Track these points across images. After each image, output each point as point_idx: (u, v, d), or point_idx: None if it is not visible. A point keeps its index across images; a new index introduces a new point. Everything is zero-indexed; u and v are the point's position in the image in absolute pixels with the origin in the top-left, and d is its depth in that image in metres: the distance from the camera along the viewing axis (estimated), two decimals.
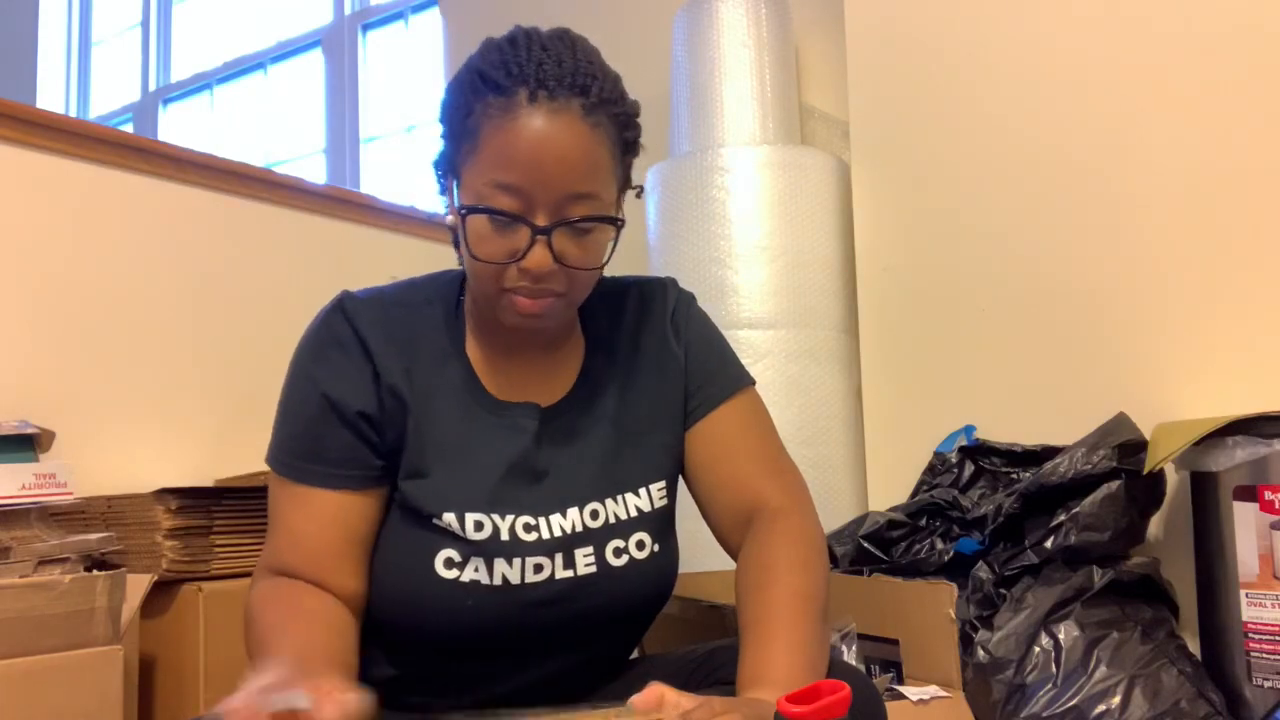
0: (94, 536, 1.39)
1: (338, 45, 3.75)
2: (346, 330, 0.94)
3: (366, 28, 3.71)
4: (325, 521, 0.92)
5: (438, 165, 0.97)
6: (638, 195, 0.98)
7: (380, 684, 0.97)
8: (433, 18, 3.38)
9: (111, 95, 4.51)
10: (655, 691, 0.74)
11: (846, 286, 2.08)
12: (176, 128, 4.28)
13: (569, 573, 0.93)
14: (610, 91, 0.89)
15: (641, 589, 0.98)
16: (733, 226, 2.00)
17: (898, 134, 2.04)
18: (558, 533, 0.93)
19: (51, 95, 4.53)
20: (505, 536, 0.92)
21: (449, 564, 0.91)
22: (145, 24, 4.43)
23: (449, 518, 0.91)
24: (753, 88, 2.15)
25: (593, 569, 0.94)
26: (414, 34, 3.58)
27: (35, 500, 1.37)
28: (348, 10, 3.75)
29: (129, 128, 4.29)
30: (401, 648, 0.96)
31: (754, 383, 1.06)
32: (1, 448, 1.40)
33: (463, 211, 0.87)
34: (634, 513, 0.97)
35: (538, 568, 0.92)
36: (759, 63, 2.16)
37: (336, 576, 0.91)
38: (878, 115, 2.07)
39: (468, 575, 0.91)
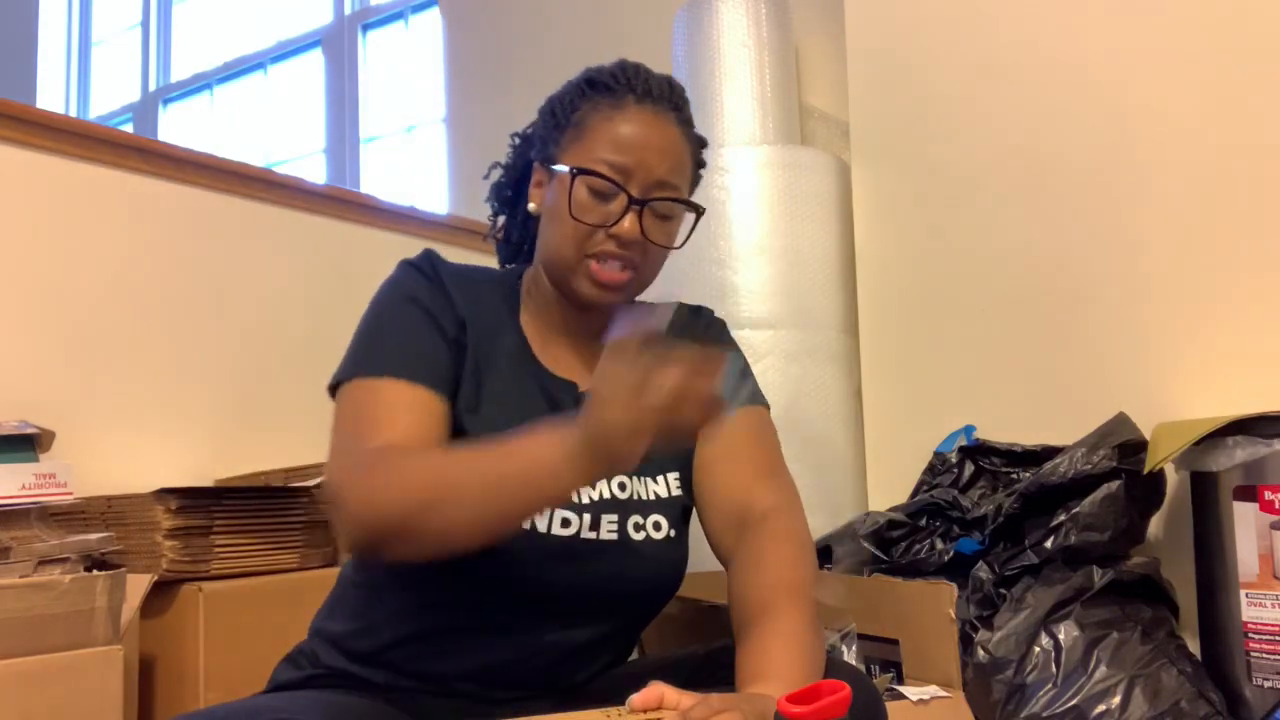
0: (94, 536, 1.39)
1: (338, 45, 3.75)
2: (434, 272, 1.02)
3: (366, 28, 3.71)
4: (433, 419, 0.93)
5: (503, 188, 1.13)
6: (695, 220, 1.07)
7: (387, 650, 0.97)
8: (433, 18, 3.39)
9: (111, 95, 4.51)
10: (655, 690, 0.75)
11: (846, 286, 2.08)
12: (176, 128, 4.28)
13: (593, 534, 0.98)
14: (692, 119, 1.04)
15: (655, 568, 1.02)
16: (733, 226, 2.00)
17: (898, 134, 2.04)
18: (586, 500, 0.98)
19: (51, 95, 4.53)
20: None
21: None
22: (145, 24, 4.43)
23: None
24: (753, 88, 2.15)
25: (614, 536, 0.99)
26: (414, 34, 3.58)
27: (35, 500, 1.37)
28: (348, 10, 3.75)
29: (129, 128, 4.29)
30: (425, 594, 0.97)
31: (768, 406, 1.12)
32: (1, 448, 1.40)
33: (574, 172, 0.98)
34: (653, 496, 1.02)
35: (565, 522, 0.96)
36: (759, 63, 2.16)
37: None
38: (878, 115, 2.07)
39: None
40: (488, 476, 0.83)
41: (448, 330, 0.98)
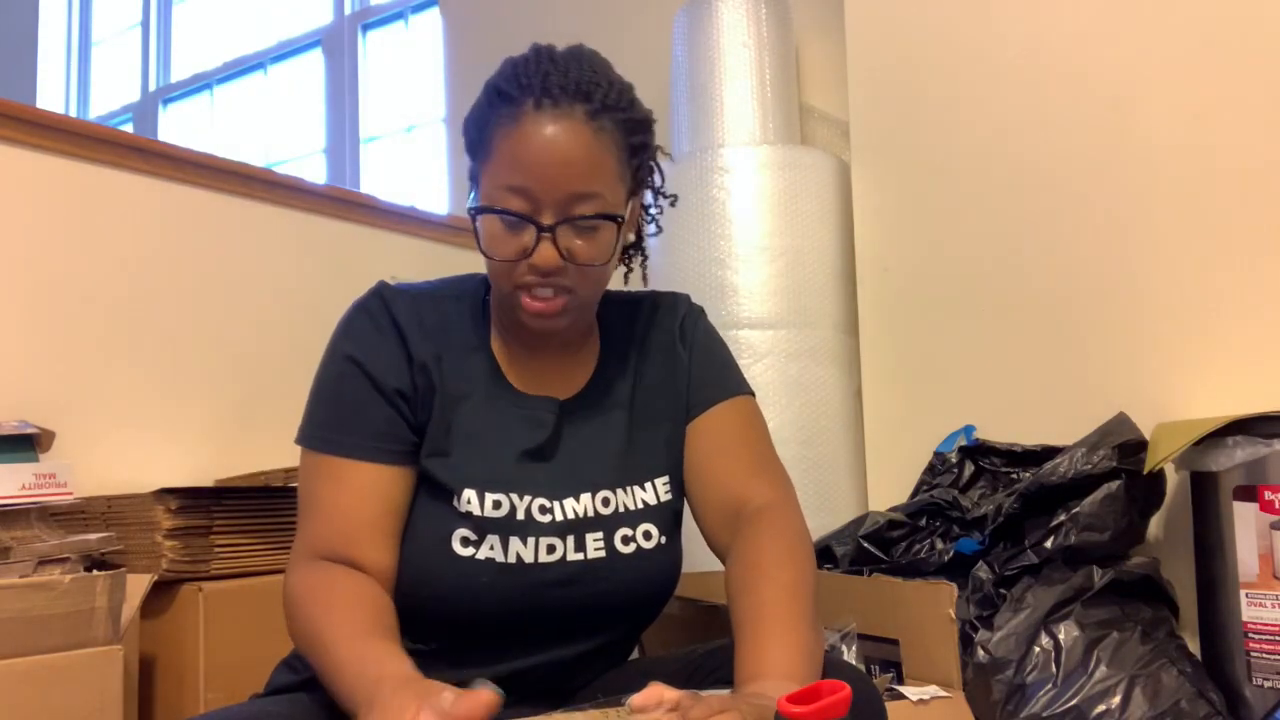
0: (94, 536, 1.39)
1: (338, 45, 3.75)
2: (383, 314, 0.98)
3: (366, 28, 3.71)
4: (363, 494, 0.94)
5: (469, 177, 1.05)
6: (671, 204, 1.06)
7: None
8: (433, 18, 3.38)
9: (111, 95, 4.50)
10: (654, 690, 0.75)
11: (846, 286, 2.08)
12: (176, 128, 4.28)
13: (580, 555, 0.96)
14: (615, 99, 0.93)
15: (647, 578, 1.01)
16: (733, 226, 2.00)
17: (898, 134, 2.04)
18: (570, 515, 0.97)
19: (51, 95, 4.52)
20: (521, 516, 0.95)
21: (465, 542, 0.94)
22: (145, 24, 4.43)
23: (469, 493, 0.95)
24: (753, 88, 2.15)
25: (602, 553, 0.97)
26: (414, 34, 3.58)
27: (35, 500, 1.37)
28: (348, 10, 3.75)
29: (129, 128, 4.29)
30: (413, 623, 0.97)
31: (753, 394, 1.09)
32: (1, 448, 1.40)
33: (471, 213, 0.93)
34: (641, 505, 1.01)
35: (550, 548, 0.96)
36: (759, 63, 2.16)
37: (372, 552, 0.93)
38: (878, 115, 2.07)
39: (483, 553, 0.94)
40: (326, 665, 0.84)
41: (392, 389, 0.96)
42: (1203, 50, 1.71)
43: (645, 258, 1.11)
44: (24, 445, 1.43)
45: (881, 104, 2.07)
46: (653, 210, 1.09)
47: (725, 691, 0.80)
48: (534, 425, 1.00)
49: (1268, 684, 1.42)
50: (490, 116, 0.93)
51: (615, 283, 1.09)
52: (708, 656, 0.99)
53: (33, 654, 1.22)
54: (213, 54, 4.20)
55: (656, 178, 1.06)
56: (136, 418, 1.90)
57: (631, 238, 1.05)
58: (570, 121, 0.90)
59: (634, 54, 2.64)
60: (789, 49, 2.25)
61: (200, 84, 4.23)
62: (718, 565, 1.02)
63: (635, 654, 1.13)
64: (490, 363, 1.01)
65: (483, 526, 0.94)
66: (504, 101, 0.92)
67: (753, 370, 1.95)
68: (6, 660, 1.20)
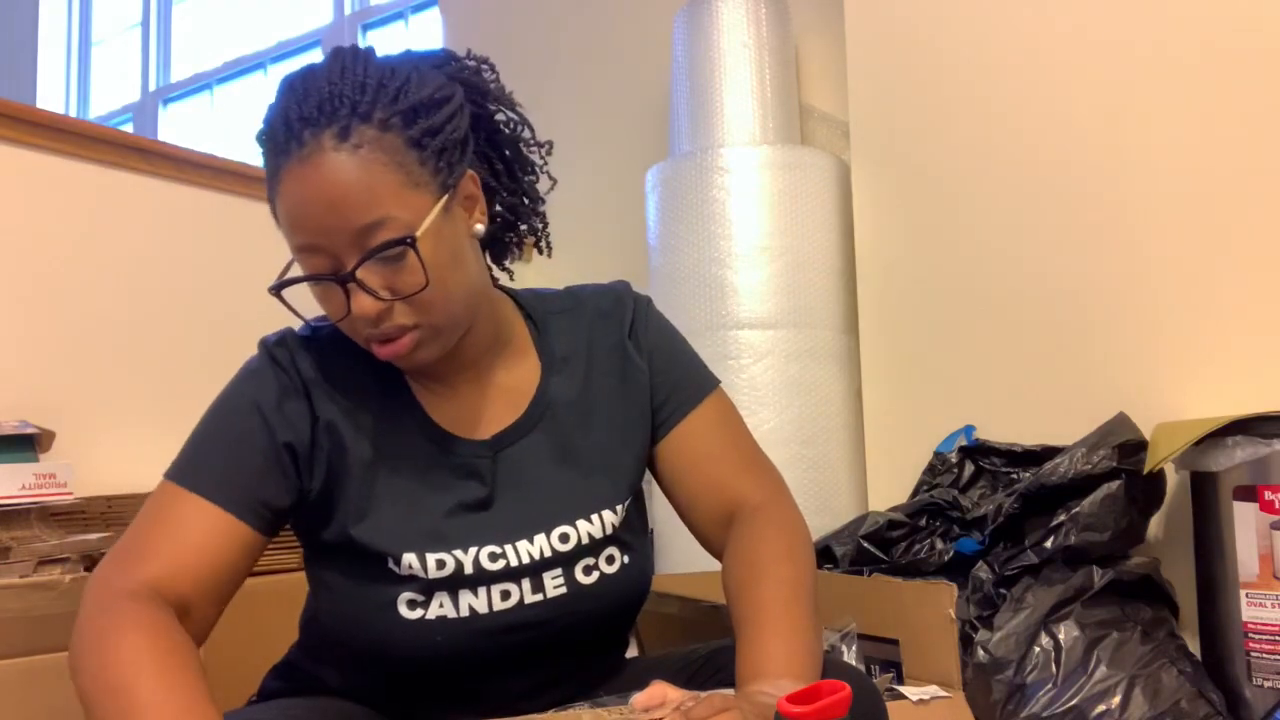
0: (94, 536, 1.39)
1: (338, 45, 3.75)
2: (289, 365, 0.92)
3: (366, 28, 3.71)
4: (206, 541, 0.84)
5: None
6: (547, 151, 0.99)
7: (359, 694, 0.95)
8: (433, 17, 3.38)
9: (111, 95, 4.51)
10: (658, 690, 0.74)
11: (846, 286, 2.08)
12: (176, 128, 4.28)
13: (538, 596, 0.91)
14: (371, 98, 0.82)
15: (614, 602, 0.96)
16: (733, 226, 2.00)
17: (898, 134, 2.04)
18: (525, 559, 0.91)
19: (51, 95, 4.53)
20: (470, 570, 0.89)
21: (412, 605, 0.88)
22: (145, 24, 4.43)
23: (409, 557, 0.88)
24: (753, 88, 2.15)
25: (563, 590, 0.92)
26: (414, 34, 3.58)
27: (35, 500, 1.37)
28: (348, 10, 3.75)
29: (129, 128, 4.29)
30: (361, 678, 0.95)
31: (719, 383, 1.04)
32: (1, 448, 1.40)
33: (274, 293, 0.87)
34: (609, 530, 0.95)
35: (505, 594, 0.90)
36: (759, 63, 2.17)
37: (210, 608, 0.87)
38: (878, 115, 2.07)
39: (433, 612, 0.88)
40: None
41: (283, 442, 0.88)
42: (1202, 52, 1.71)
43: (523, 237, 1.02)
44: (24, 445, 1.43)
45: (881, 104, 2.07)
46: (539, 166, 1.00)
47: (729, 691, 0.80)
48: (467, 474, 0.92)
49: (1268, 684, 1.42)
50: (267, 182, 0.85)
51: (560, 275, 1.06)
52: (710, 657, 0.98)
53: (33, 654, 1.22)
54: (213, 54, 4.21)
55: (522, 132, 0.98)
56: (136, 418, 1.90)
57: (479, 229, 0.90)
58: (320, 157, 0.80)
59: (634, 54, 2.65)
60: (789, 49, 2.25)
61: (200, 84, 4.23)
62: (715, 565, 1.01)
63: (635, 654, 1.12)
64: (413, 407, 0.93)
65: (429, 587, 0.88)
66: (267, 161, 0.84)
67: (753, 370, 1.95)
68: (7, 660, 1.20)
